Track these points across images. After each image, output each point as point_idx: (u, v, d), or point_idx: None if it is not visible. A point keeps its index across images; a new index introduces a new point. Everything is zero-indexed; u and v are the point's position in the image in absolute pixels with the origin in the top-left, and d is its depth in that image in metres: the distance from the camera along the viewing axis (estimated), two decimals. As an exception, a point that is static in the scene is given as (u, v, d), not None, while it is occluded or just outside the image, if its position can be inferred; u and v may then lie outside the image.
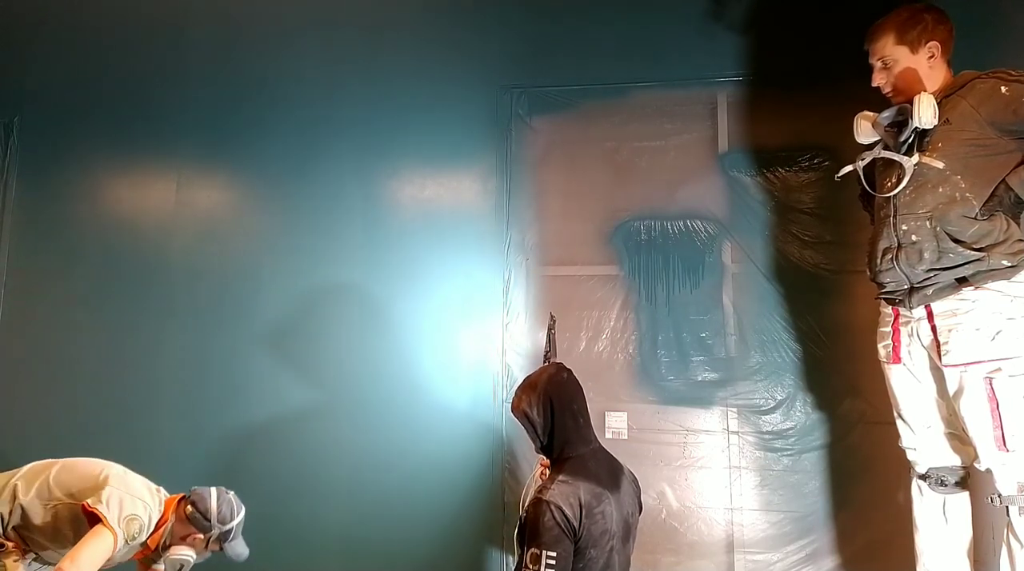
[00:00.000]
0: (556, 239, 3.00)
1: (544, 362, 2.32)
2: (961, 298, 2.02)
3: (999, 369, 1.95)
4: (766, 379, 2.76)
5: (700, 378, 2.82)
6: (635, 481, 2.11)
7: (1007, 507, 1.99)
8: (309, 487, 2.79)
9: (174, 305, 3.07)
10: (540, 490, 1.89)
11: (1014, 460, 1.96)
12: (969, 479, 2.18)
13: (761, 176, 2.86)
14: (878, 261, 2.15)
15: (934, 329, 2.06)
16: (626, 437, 2.80)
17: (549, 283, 2.98)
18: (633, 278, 2.92)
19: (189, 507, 2.22)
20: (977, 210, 2.00)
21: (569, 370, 2.06)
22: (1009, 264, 1.97)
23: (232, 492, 2.28)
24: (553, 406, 1.95)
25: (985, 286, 1.99)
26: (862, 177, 2.23)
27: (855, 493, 2.64)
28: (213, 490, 2.26)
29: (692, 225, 2.90)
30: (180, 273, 3.10)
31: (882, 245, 2.14)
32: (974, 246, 1.99)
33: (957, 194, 2.01)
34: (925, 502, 2.21)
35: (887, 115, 2.10)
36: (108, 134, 3.34)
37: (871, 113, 2.18)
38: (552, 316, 2.33)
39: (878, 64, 2.20)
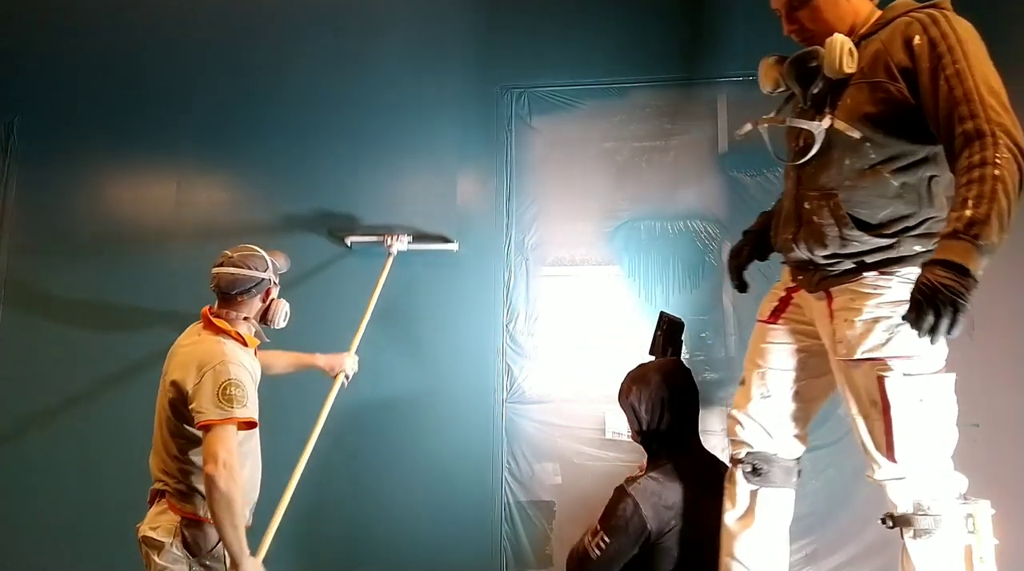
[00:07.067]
0: (556, 239, 3.00)
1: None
2: (861, 285, 1.69)
3: (893, 368, 1.62)
4: (766, 379, 2.76)
5: (700, 378, 2.81)
6: None
7: (901, 530, 1.64)
8: (308, 487, 2.78)
9: (174, 305, 3.06)
10: (629, 479, 1.89)
11: (908, 472, 1.62)
12: (798, 479, 1.93)
13: (761, 176, 2.86)
14: (778, 234, 1.87)
15: (832, 315, 1.74)
16: (627, 437, 2.80)
17: (549, 283, 2.98)
18: (633, 278, 2.92)
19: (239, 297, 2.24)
20: (891, 186, 1.65)
21: (688, 372, 2.01)
22: (922, 249, 1.65)
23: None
24: (664, 407, 1.93)
25: (891, 272, 1.67)
26: (767, 141, 1.88)
27: (855, 493, 2.64)
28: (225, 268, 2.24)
29: (692, 225, 2.91)
30: (180, 273, 3.10)
31: (783, 218, 1.84)
32: (884, 233, 1.66)
33: (867, 165, 1.66)
34: (738, 490, 1.89)
35: (796, 60, 1.73)
36: (108, 134, 3.33)
37: (779, 56, 1.82)
38: (662, 314, 2.26)
39: (782, 7, 1.76)
